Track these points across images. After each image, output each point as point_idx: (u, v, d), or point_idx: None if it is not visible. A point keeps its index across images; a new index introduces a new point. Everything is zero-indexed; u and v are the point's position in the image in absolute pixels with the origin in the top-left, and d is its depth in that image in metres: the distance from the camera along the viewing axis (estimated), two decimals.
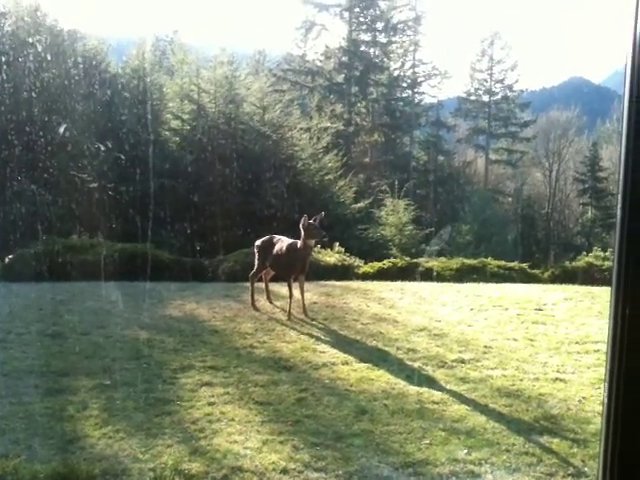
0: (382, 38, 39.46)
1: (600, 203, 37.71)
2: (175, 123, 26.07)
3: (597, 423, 4.78)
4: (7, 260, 12.29)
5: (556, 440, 4.52)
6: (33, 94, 16.64)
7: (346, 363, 6.32)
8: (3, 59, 14.82)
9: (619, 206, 1.57)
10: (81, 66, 20.18)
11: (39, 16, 19.99)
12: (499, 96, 40.98)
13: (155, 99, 25.17)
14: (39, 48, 18.07)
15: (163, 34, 35.71)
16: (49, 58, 18.23)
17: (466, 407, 5.16)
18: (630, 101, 1.54)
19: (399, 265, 13.90)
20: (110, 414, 5.00)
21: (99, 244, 13.06)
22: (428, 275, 13.05)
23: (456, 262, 14.08)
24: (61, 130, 17.24)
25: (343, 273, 13.18)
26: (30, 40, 17.92)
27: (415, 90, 41.03)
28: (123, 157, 18.10)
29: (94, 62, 22.17)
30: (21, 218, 13.20)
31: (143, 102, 23.42)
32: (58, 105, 18.22)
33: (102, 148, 17.52)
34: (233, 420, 4.85)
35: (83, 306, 8.97)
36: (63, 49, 20.19)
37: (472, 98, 41.69)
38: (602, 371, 6.08)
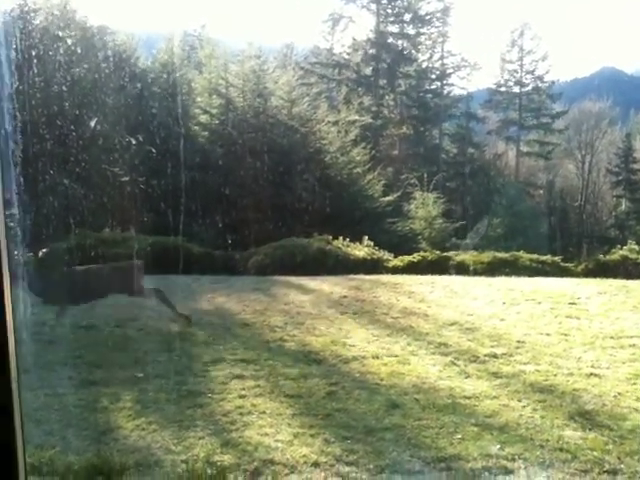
0: (410, 30, 39.13)
1: (634, 195, 37.01)
2: (204, 117, 26.18)
3: (633, 419, 4.70)
4: (40, 254, 12.47)
5: (591, 436, 4.44)
6: (64, 88, 16.79)
7: (376, 357, 6.29)
8: (34, 53, 14.94)
9: None
10: (111, 60, 20.33)
11: (69, 11, 20.19)
12: (530, 87, 40.31)
13: (184, 94, 25.29)
14: (69, 42, 18.22)
15: (191, 29, 35.77)
16: (79, 51, 18.37)
17: (499, 402, 5.10)
18: None
19: (429, 259, 13.79)
20: (143, 406, 5.05)
21: (131, 238, 13.18)
22: (459, 269, 12.93)
23: (488, 256, 13.90)
24: (92, 124, 17.38)
25: (372, 267, 13.13)
26: (60, 34, 18.07)
27: (444, 82, 40.58)
28: (154, 150, 18.22)
29: (124, 56, 22.32)
30: (54, 212, 13.32)
31: (173, 96, 23.54)
32: (89, 99, 18.37)
33: (133, 142, 17.66)
34: (264, 413, 4.87)
35: (115, 299, 9.06)
36: (93, 43, 20.36)
37: (502, 89, 41.08)
38: (638, 366, 5.96)
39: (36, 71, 14.24)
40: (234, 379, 5.63)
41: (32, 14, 17.87)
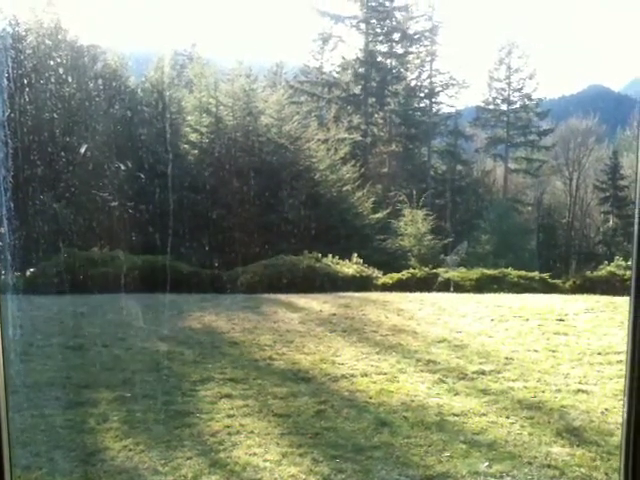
0: (399, 49, 39.48)
1: (621, 212, 37.23)
2: (194, 136, 26.23)
3: (620, 435, 4.70)
4: (28, 273, 12.40)
5: (579, 452, 4.46)
6: (55, 115, 16.86)
7: (365, 375, 6.29)
8: (25, 81, 14.93)
9: (637, 216, 1.54)
10: (101, 87, 20.41)
11: (60, 33, 20.22)
12: (517, 105, 40.66)
13: (174, 112, 25.35)
14: (60, 70, 18.27)
15: (182, 48, 35.92)
16: (70, 80, 18.42)
17: (487, 419, 5.10)
18: None
19: (418, 276, 13.84)
20: (130, 426, 5.01)
21: (118, 257, 13.14)
22: (448, 286, 12.98)
23: (476, 272, 13.98)
24: (82, 150, 17.44)
25: (362, 284, 13.15)
26: (51, 62, 18.13)
27: (432, 100, 40.86)
28: (143, 176, 18.31)
29: (114, 83, 22.37)
30: (43, 236, 13.29)
31: (162, 118, 23.63)
32: (79, 125, 18.46)
33: (122, 167, 17.68)
34: (252, 432, 4.85)
35: (104, 319, 9.04)
36: (84, 68, 20.41)
37: (490, 107, 41.42)
38: (625, 382, 5.99)
39: (27, 99, 14.27)
40: (222, 398, 5.61)
41: (23, 42, 17.90)
